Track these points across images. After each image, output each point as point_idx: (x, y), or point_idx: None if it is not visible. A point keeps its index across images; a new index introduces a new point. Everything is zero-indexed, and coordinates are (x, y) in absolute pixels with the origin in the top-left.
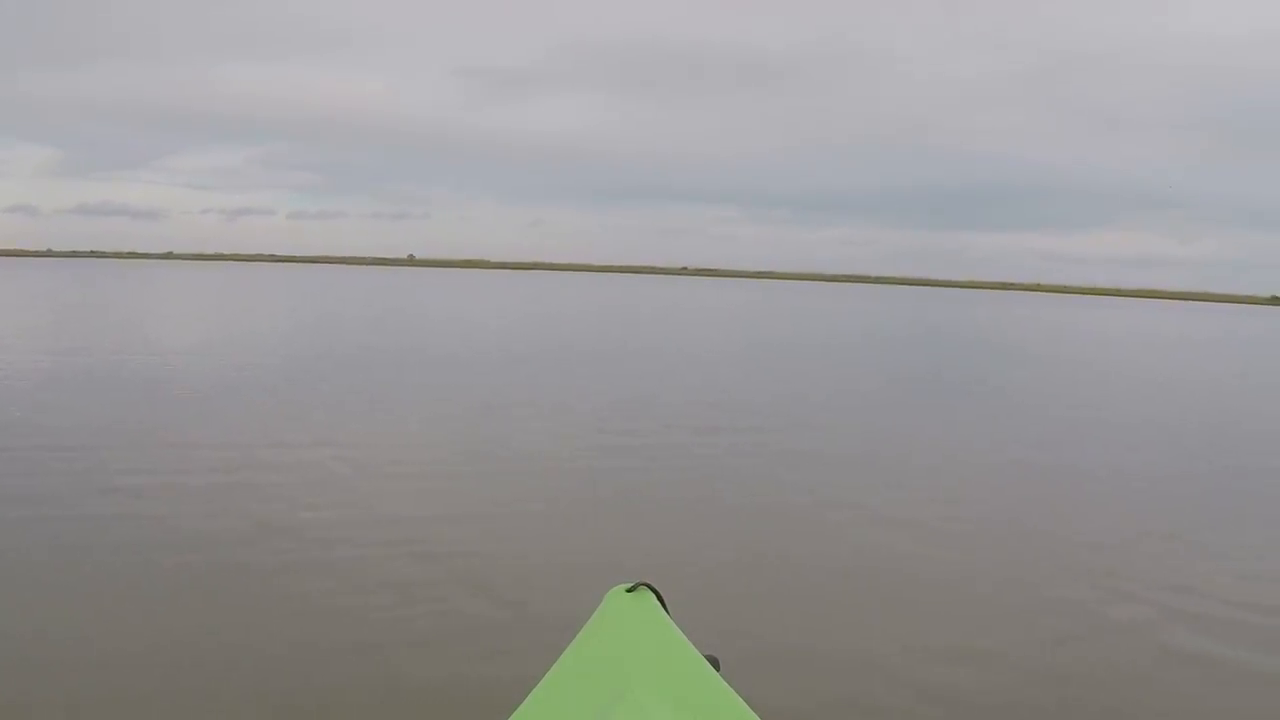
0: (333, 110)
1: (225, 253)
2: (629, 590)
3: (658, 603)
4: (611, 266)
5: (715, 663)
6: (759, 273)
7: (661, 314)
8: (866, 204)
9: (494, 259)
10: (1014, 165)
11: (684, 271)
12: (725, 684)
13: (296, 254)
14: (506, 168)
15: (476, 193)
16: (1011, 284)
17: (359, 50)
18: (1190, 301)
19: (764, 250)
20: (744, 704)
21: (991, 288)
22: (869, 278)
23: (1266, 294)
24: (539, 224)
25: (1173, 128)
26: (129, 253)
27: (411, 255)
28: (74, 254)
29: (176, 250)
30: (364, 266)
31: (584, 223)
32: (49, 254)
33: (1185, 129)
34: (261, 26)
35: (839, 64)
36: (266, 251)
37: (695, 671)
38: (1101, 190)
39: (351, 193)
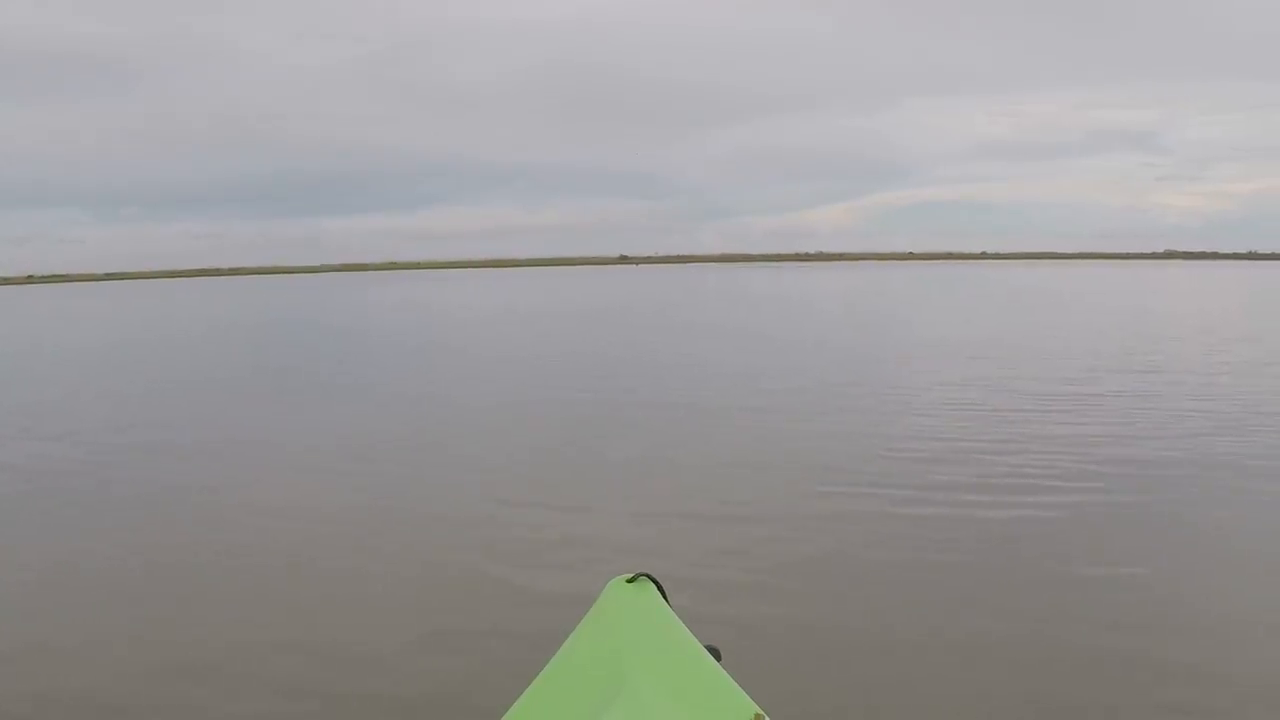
0: None
1: None
2: (629, 580)
3: (658, 593)
4: None
5: (716, 653)
6: (109, 274)
7: None
8: (219, 196)
9: None
10: (365, 149)
11: (30, 280)
12: (726, 674)
13: None
14: None
15: None
16: (366, 265)
17: None
18: (542, 267)
19: (114, 250)
20: (744, 694)
21: (346, 270)
22: (221, 270)
23: (615, 254)
24: None
25: (518, 103)
26: None
27: None
28: None
29: None
30: None
31: None
32: None
33: (530, 103)
34: None
35: (188, 58)
36: None
37: (696, 661)
38: (451, 167)
39: None
